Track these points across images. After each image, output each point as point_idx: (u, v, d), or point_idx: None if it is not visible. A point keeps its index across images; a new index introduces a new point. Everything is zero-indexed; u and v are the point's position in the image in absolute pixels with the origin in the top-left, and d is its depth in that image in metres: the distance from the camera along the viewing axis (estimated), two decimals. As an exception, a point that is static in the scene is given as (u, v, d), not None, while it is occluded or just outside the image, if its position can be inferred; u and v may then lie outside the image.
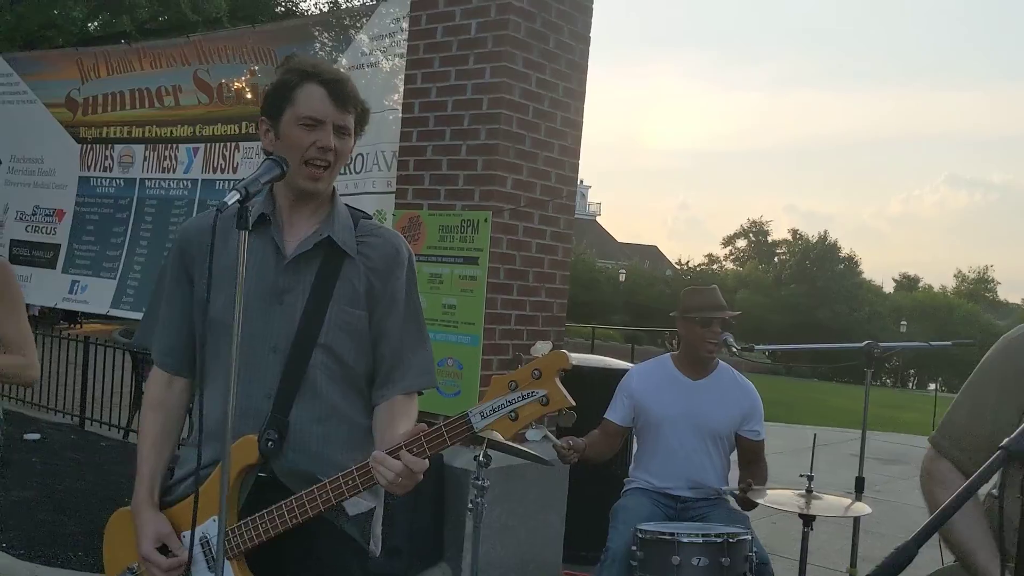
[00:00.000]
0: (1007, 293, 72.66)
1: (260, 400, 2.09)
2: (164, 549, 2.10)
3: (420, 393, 2.26)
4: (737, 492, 3.72)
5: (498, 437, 1.79)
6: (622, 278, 46.02)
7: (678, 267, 59.38)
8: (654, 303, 43.92)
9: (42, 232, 8.40)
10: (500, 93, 4.83)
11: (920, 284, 68.99)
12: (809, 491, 3.46)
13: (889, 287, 65.12)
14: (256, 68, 7.01)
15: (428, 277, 5.00)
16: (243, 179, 1.91)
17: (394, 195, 5.32)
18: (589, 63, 5.31)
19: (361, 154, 5.85)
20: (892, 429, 14.02)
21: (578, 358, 6.45)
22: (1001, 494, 1.42)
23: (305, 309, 2.11)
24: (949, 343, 4.16)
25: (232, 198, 1.85)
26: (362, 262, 2.18)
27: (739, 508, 3.81)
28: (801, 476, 3.48)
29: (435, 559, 4.71)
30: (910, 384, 47.64)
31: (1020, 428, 1.46)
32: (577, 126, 5.29)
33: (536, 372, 1.83)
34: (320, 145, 2.08)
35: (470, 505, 3.46)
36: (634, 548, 3.46)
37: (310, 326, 2.11)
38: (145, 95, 7.76)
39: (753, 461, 3.96)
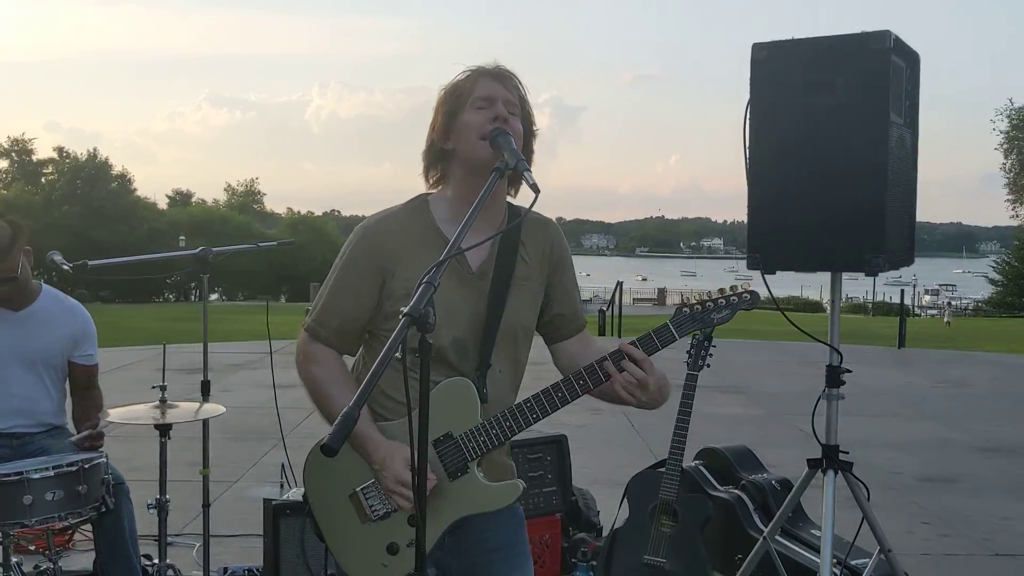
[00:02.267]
0: (272, 204, 78.78)
1: None
2: None
3: None
4: (75, 441, 3.48)
5: None
6: None
7: (-79, 194, 51.48)
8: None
9: None
10: None
11: (193, 199, 70.90)
12: (163, 400, 3.42)
13: (163, 203, 65.54)
14: None
15: None
16: None
17: None
18: None
19: None
20: (184, 341, 14.32)
21: None
22: (404, 356, 1.61)
23: None
24: (275, 243, 4.42)
25: None
26: None
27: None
28: (154, 387, 3.42)
29: None
30: (192, 297, 49.10)
31: (415, 296, 1.66)
32: None
33: None
34: None
35: None
36: (-28, 499, 3.05)
37: None
38: None
39: (87, 387, 3.75)
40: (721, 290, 2.21)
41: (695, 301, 2.20)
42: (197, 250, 3.82)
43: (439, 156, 2.23)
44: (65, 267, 3.51)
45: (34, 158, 58.59)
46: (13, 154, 58.66)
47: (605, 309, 18.40)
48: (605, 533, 4.42)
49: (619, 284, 19.34)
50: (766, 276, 3.35)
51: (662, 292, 51.01)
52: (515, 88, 2.21)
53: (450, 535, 2.18)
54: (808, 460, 3.48)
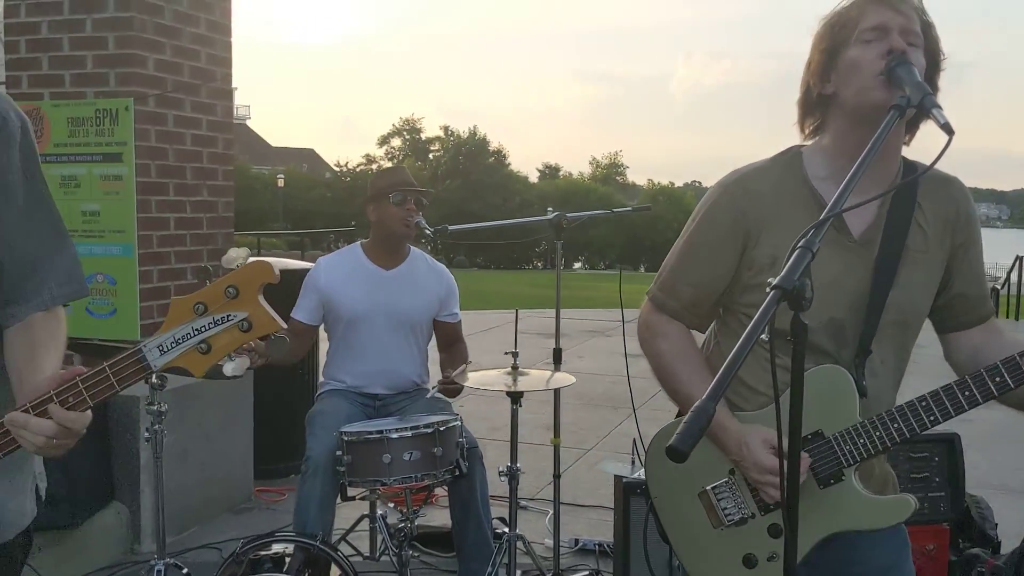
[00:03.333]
0: (634, 175, 79.82)
1: None
2: None
3: (66, 306, 1.73)
4: (438, 386, 3.55)
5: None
6: (280, 183, 44.47)
7: (337, 169, 58.56)
8: (315, 207, 43.21)
9: None
10: (127, -46, 4.11)
11: (561, 172, 73.82)
12: (515, 367, 3.38)
13: (534, 177, 68.89)
14: None
15: (59, 180, 4.25)
16: None
17: (3, 86, 4.44)
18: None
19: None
20: (542, 306, 14.75)
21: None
22: (771, 337, 1.30)
23: None
24: (629, 208, 4.27)
25: None
26: None
27: (443, 396, 3.67)
28: (507, 353, 3.39)
29: (105, 500, 4.14)
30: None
31: (788, 265, 1.34)
32: (223, -4, 4.69)
33: (231, 290, 1.37)
34: None
35: (146, 434, 2.99)
36: (339, 453, 3.19)
37: None
38: None
39: (454, 341, 3.84)
40: None
41: None
42: (552, 215, 3.74)
43: (817, 103, 1.86)
44: (428, 231, 3.58)
45: (422, 136, 64.29)
46: (404, 132, 64.78)
47: (1000, 288, 16.31)
48: (1005, 549, 3.76)
49: (1018, 259, 17.03)
50: None
51: (1068, 269, 44.43)
52: (914, 12, 1.77)
53: (818, 551, 1.84)
54: None
